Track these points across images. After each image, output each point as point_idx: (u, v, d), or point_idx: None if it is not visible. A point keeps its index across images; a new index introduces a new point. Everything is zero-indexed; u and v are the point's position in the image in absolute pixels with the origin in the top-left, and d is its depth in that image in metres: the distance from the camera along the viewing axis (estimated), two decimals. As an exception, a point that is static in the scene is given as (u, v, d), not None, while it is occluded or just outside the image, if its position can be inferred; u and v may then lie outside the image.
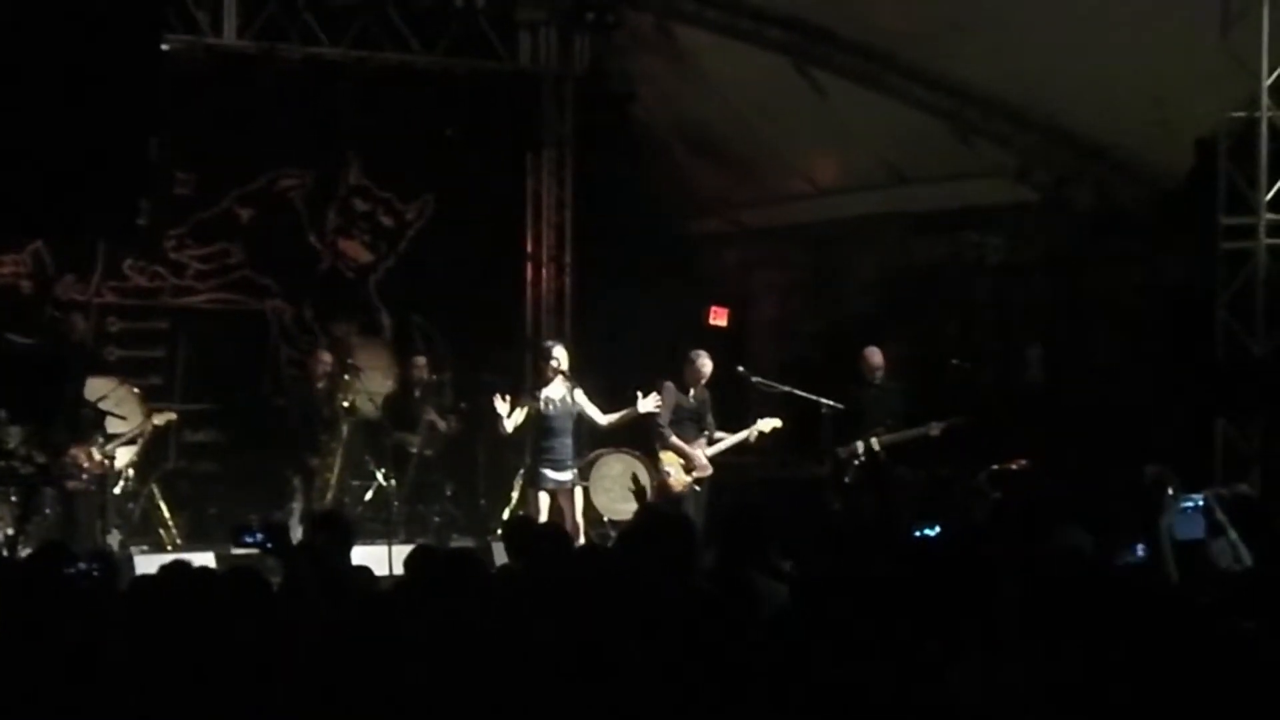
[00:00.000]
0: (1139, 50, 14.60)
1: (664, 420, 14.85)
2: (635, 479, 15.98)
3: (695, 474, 14.93)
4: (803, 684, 5.60)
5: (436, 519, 16.71)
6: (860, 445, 15.22)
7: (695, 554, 7.89)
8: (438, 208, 18.78)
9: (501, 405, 14.33)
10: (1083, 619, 5.72)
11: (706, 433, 15.06)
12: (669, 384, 14.88)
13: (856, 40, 16.81)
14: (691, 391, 15.02)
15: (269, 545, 8.39)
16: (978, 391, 16.27)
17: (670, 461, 15.01)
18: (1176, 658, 5.39)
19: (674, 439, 14.95)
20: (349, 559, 8.91)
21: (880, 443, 15.20)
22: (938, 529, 8.89)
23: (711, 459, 15.02)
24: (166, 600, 6.95)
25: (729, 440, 15.10)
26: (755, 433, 15.03)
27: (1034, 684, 5.46)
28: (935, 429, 15.11)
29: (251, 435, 17.03)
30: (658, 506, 13.90)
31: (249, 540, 8.47)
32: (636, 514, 9.03)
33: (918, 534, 8.93)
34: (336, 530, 9.19)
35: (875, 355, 15.64)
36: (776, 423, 15.01)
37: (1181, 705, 5.25)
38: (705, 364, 15.07)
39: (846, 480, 15.21)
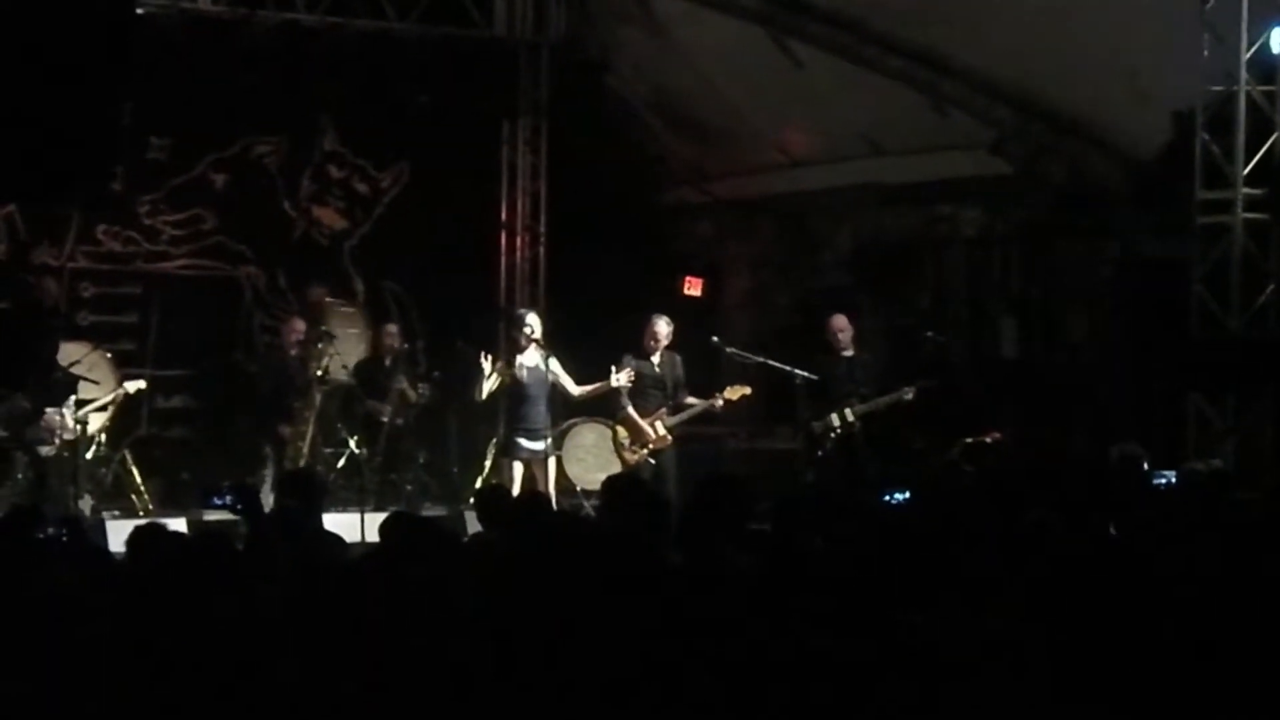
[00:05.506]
0: (1116, 23, 14.59)
1: (623, 392, 14.80)
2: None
3: (652, 445, 14.88)
4: (774, 654, 5.60)
5: (409, 487, 16.64)
6: (835, 418, 15.10)
7: (666, 523, 7.89)
8: (412, 175, 18.71)
9: (486, 364, 14.33)
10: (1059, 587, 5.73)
11: (672, 401, 15.02)
12: (627, 356, 14.78)
13: (832, 11, 16.77)
14: (655, 358, 14.95)
15: (239, 507, 8.35)
16: (951, 364, 16.25)
17: (623, 435, 14.98)
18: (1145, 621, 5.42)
19: (627, 411, 14.88)
20: (319, 519, 8.87)
21: (855, 413, 15.08)
22: (907, 494, 8.86)
23: (678, 429, 14.97)
24: (136, 564, 6.93)
25: (693, 409, 15.04)
26: (720, 400, 14.93)
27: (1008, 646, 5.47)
28: (909, 392, 14.97)
29: (224, 402, 17.02)
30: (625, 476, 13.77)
31: (218, 502, 8.44)
32: (604, 484, 8.98)
33: (887, 498, 8.88)
34: (304, 491, 9.16)
35: (840, 321, 15.36)
36: (746, 390, 14.90)
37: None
38: (661, 327, 14.95)
39: (820, 454, 15.11)
